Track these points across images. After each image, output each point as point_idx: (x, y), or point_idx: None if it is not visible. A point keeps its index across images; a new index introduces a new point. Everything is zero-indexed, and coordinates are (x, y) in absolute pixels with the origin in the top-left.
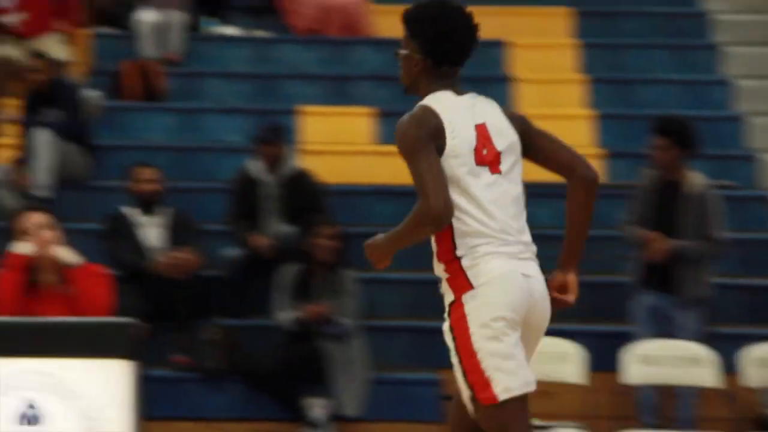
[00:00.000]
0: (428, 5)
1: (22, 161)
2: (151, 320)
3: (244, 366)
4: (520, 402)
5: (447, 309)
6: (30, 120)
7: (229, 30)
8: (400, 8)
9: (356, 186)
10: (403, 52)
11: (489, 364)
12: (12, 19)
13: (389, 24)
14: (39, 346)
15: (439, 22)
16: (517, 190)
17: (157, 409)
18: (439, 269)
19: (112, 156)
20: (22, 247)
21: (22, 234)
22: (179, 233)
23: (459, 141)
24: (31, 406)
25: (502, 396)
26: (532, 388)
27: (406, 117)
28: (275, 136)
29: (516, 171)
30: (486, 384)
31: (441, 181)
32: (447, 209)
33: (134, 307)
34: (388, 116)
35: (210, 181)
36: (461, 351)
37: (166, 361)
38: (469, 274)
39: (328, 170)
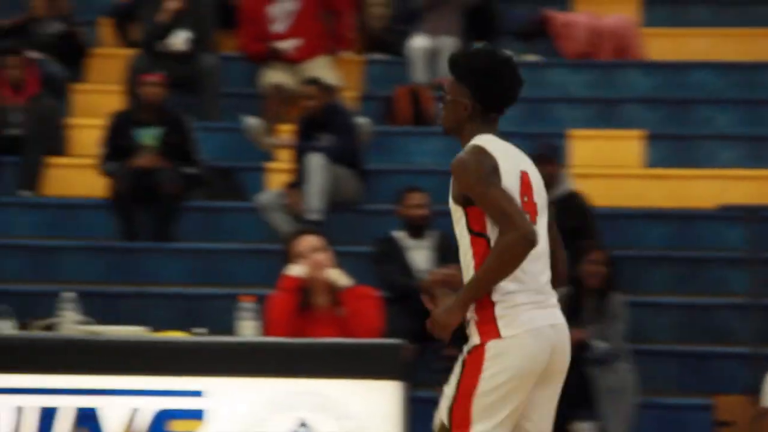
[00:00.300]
0: (479, 52)
1: (296, 185)
2: (418, 341)
3: None
4: None
5: (469, 347)
6: (303, 145)
7: None
8: (671, 31)
9: (625, 209)
10: (449, 96)
11: (478, 413)
12: (286, 45)
13: (659, 47)
14: (311, 367)
15: (490, 70)
16: (546, 243)
17: (423, 431)
18: (470, 311)
19: (382, 180)
20: (296, 270)
21: (296, 257)
22: (446, 256)
23: (509, 184)
24: (303, 425)
25: None
26: None
27: (464, 156)
28: (552, 154)
29: (545, 225)
30: (465, 426)
31: (518, 206)
32: (534, 230)
33: (402, 328)
34: (657, 139)
35: None
36: (462, 388)
37: (433, 381)
38: (501, 323)
39: (596, 193)
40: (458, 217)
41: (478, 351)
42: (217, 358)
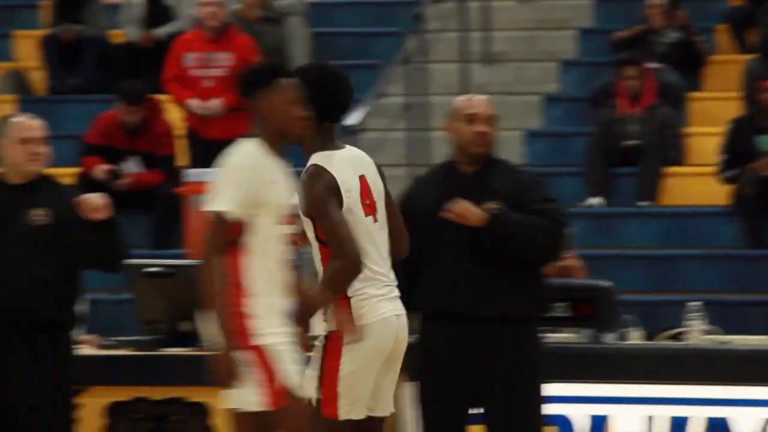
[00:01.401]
0: (312, 68)
1: None
2: None
3: None
4: (355, 425)
5: (327, 333)
6: None
7: None
8: None
9: None
10: None
11: (343, 391)
12: None
13: None
14: None
15: (322, 84)
16: (387, 235)
17: None
18: None
19: None
20: None
21: None
22: None
23: (350, 194)
24: None
25: (343, 416)
26: (369, 414)
27: (305, 178)
28: None
29: (384, 217)
30: (333, 401)
31: (351, 232)
32: (359, 258)
33: None
34: None
35: None
36: (326, 369)
37: None
38: (355, 315)
39: None
40: (308, 227)
41: (335, 336)
42: None
